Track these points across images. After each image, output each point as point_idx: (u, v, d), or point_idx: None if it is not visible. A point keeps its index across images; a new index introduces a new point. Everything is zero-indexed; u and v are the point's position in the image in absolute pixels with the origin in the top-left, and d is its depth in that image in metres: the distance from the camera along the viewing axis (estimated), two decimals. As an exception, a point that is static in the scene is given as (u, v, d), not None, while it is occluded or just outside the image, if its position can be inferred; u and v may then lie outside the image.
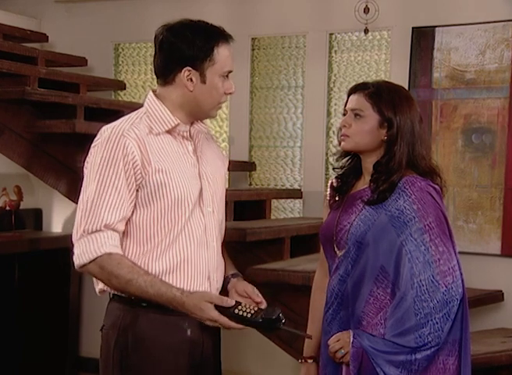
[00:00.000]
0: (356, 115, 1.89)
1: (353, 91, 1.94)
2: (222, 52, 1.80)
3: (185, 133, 1.84)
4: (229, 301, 1.73)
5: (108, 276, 1.74)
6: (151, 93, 1.86)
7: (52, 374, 4.04)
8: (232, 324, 1.71)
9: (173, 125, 1.82)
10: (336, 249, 1.91)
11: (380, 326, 1.78)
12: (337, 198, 1.97)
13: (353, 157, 1.97)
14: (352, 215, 1.89)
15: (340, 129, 1.94)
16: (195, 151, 1.86)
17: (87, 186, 1.77)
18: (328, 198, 2.02)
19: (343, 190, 1.96)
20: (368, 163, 1.91)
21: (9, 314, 3.75)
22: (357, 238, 1.85)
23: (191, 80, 1.79)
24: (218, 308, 1.71)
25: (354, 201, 1.92)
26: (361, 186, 1.93)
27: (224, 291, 1.90)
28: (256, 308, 1.75)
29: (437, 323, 1.74)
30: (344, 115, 1.94)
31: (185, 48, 1.78)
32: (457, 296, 1.77)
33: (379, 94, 1.89)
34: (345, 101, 1.97)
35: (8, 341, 3.74)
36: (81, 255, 1.74)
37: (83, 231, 1.74)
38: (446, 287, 1.76)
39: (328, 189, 2.02)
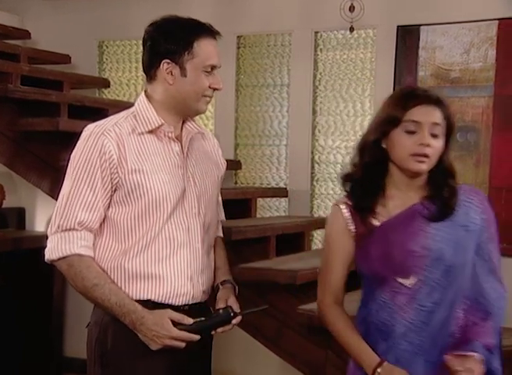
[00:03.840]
0: (433, 133, 1.70)
1: (427, 101, 1.71)
2: (203, 46, 1.79)
3: (170, 134, 1.83)
4: (189, 320, 1.75)
5: (74, 276, 1.76)
6: (142, 93, 1.87)
7: (36, 374, 4.00)
8: (193, 336, 1.74)
9: (156, 125, 1.81)
10: (400, 279, 1.71)
11: (475, 341, 1.70)
12: (374, 222, 1.75)
13: (371, 174, 1.76)
14: (418, 237, 1.70)
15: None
16: (182, 152, 1.85)
17: (64, 183, 1.79)
18: (352, 227, 1.77)
19: (366, 213, 1.75)
20: (418, 181, 1.74)
21: (-8, 314, 3.71)
22: (443, 261, 1.69)
23: (171, 73, 1.79)
24: (177, 325, 1.73)
25: (409, 221, 1.72)
26: (399, 205, 1.74)
27: (214, 299, 1.90)
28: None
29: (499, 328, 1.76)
30: (404, 127, 1.70)
31: (163, 41, 1.79)
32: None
33: (445, 104, 1.73)
34: (396, 109, 1.72)
35: (-9, 341, 3.71)
36: (52, 250, 1.77)
37: (58, 227, 1.77)
38: (504, 293, 1.78)
39: (347, 214, 1.77)
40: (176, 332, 1.73)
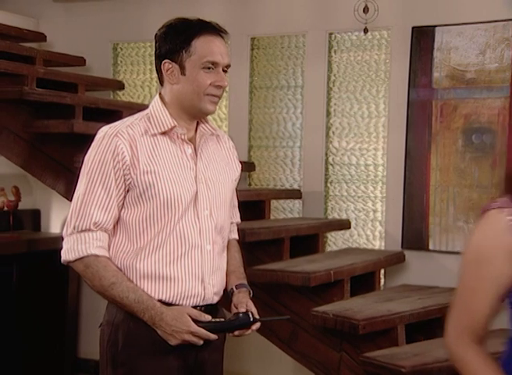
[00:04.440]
0: None
1: None
2: (201, 43, 1.80)
3: (183, 136, 1.84)
4: (206, 317, 1.77)
5: (91, 276, 1.77)
6: (157, 95, 1.89)
7: (51, 375, 4.03)
8: (211, 334, 1.75)
9: (169, 127, 1.82)
10: None
11: None
12: None
13: None
14: None
15: None
16: (195, 155, 1.85)
17: (79, 184, 1.81)
18: None
19: None
20: None
21: (8, 315, 3.73)
22: None
23: (172, 73, 1.82)
24: (195, 322, 1.75)
25: None
26: None
27: (229, 303, 1.91)
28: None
29: None
30: None
31: (163, 42, 1.83)
32: None
33: None
34: None
35: (7, 342, 3.73)
36: (68, 251, 1.78)
37: (73, 228, 1.78)
38: None
39: None
40: (194, 327, 1.74)
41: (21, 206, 3.93)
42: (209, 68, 1.80)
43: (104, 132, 1.80)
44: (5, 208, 3.82)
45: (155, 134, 1.81)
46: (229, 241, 2.01)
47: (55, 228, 4.23)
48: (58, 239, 3.81)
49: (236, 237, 2.08)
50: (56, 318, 4.03)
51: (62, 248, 1.81)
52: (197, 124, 1.89)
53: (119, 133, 1.78)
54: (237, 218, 2.09)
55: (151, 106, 1.87)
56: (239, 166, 2.01)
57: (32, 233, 4.13)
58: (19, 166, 3.34)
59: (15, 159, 3.30)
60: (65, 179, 3.14)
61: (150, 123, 1.82)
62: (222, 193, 1.89)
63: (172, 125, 1.82)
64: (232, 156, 2.00)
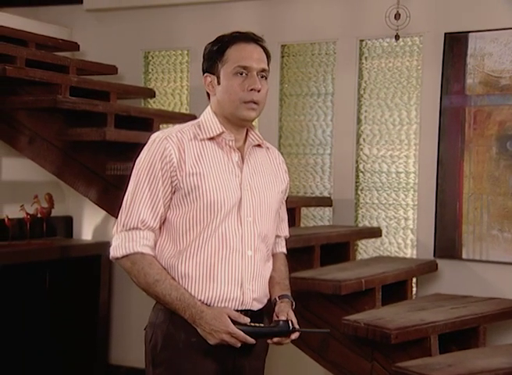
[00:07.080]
0: None
1: None
2: (233, 51, 1.86)
3: (231, 143, 1.88)
4: (245, 319, 1.79)
5: (137, 273, 1.82)
6: (208, 106, 1.95)
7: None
8: (248, 338, 1.77)
9: (217, 133, 1.87)
10: None
11: None
12: None
13: None
14: None
15: None
16: (242, 163, 1.89)
17: (129, 185, 1.88)
18: None
19: None
20: None
21: (40, 321, 3.77)
22: None
23: (211, 85, 1.89)
24: (234, 323, 1.77)
25: None
26: None
27: (271, 313, 1.91)
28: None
29: None
30: None
31: (204, 59, 1.92)
32: None
33: None
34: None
35: (40, 348, 3.77)
36: (117, 248, 1.84)
37: (123, 226, 1.84)
38: None
39: None
40: (232, 328, 1.76)
41: (54, 213, 3.98)
42: (241, 74, 1.84)
43: (156, 136, 1.88)
44: (39, 215, 3.87)
45: (204, 139, 1.87)
46: (276, 254, 2.05)
47: (86, 235, 4.26)
48: (90, 246, 3.86)
49: (284, 251, 2.11)
50: (88, 324, 4.06)
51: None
52: (247, 135, 1.93)
53: (169, 137, 1.84)
54: (286, 232, 2.11)
55: (202, 115, 1.93)
56: (287, 179, 2.04)
57: (64, 240, 4.17)
58: (53, 174, 3.39)
59: (48, 167, 3.34)
60: (98, 186, 3.17)
61: (199, 129, 1.89)
62: (267, 202, 1.91)
63: (221, 131, 1.87)
64: (281, 169, 2.03)
